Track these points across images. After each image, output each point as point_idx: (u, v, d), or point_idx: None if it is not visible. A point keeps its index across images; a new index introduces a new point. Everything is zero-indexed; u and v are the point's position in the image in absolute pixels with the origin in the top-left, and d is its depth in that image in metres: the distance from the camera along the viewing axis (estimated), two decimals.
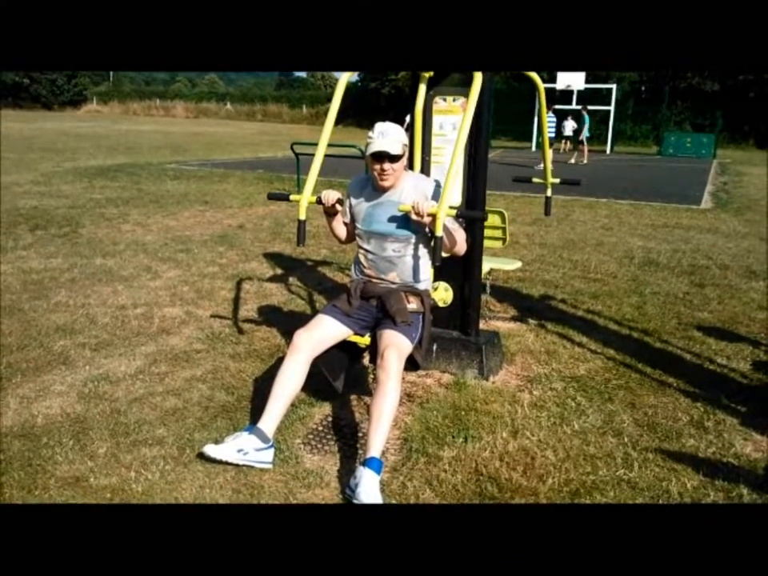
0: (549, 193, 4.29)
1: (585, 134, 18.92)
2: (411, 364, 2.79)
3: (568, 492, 2.49)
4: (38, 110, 45.92)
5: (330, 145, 3.11)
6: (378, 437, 2.47)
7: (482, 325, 3.73)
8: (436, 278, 3.38)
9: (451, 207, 2.76)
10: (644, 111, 29.13)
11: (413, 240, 2.85)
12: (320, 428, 2.95)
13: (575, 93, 23.62)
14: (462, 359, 3.49)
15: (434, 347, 3.49)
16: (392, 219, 2.82)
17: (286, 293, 5.04)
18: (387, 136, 2.70)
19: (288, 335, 3.73)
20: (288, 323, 4.12)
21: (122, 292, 4.89)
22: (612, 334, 4.25)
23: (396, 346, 2.63)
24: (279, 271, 5.69)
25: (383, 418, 2.49)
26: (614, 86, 24.92)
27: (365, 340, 2.90)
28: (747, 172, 17.02)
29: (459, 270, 3.46)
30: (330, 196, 2.85)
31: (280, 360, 3.01)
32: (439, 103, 3.39)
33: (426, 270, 2.94)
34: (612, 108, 24.44)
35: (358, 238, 2.97)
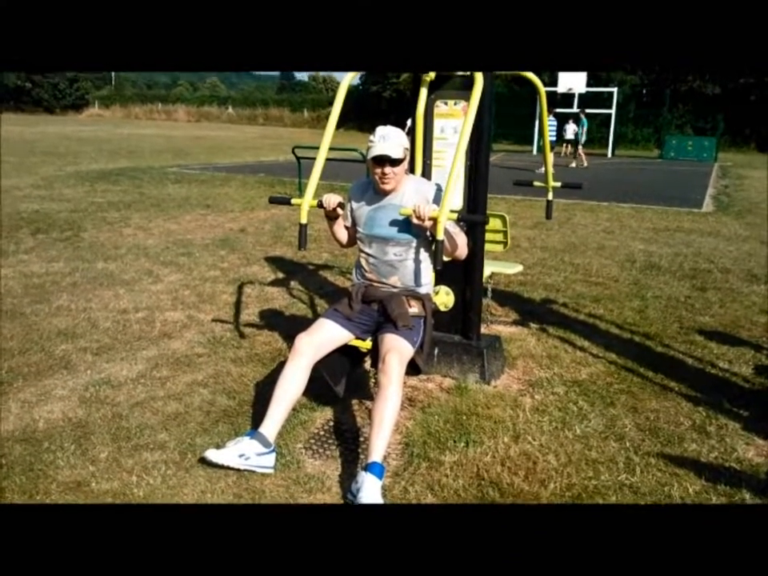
0: (550, 196, 4.29)
1: (582, 137, 18.94)
2: (413, 368, 2.79)
3: (570, 497, 2.48)
4: (40, 113, 46.13)
5: (331, 148, 3.11)
6: (380, 441, 2.46)
7: (483, 329, 3.72)
8: (437, 282, 3.38)
9: (452, 211, 2.76)
10: (645, 114, 29.15)
11: (414, 244, 2.85)
12: (321, 432, 2.95)
13: (576, 96, 23.66)
14: (463, 363, 3.48)
15: (436, 351, 3.49)
16: (393, 223, 2.82)
17: (287, 297, 5.04)
18: (388, 140, 2.71)
19: (289, 339, 3.73)
20: (289, 327, 4.12)
21: (124, 296, 4.89)
22: (614, 338, 4.24)
23: (397, 350, 2.63)
24: (281, 275, 5.69)
25: (385, 423, 2.48)
26: (615, 90, 24.96)
27: (366, 344, 2.90)
28: (748, 175, 17.02)
29: (460, 273, 3.46)
30: (332, 200, 2.85)
31: (281, 364, 3.00)
32: (440, 107, 3.40)
33: (428, 273, 2.94)
34: (613, 111, 24.45)
35: (359, 242, 2.97)
